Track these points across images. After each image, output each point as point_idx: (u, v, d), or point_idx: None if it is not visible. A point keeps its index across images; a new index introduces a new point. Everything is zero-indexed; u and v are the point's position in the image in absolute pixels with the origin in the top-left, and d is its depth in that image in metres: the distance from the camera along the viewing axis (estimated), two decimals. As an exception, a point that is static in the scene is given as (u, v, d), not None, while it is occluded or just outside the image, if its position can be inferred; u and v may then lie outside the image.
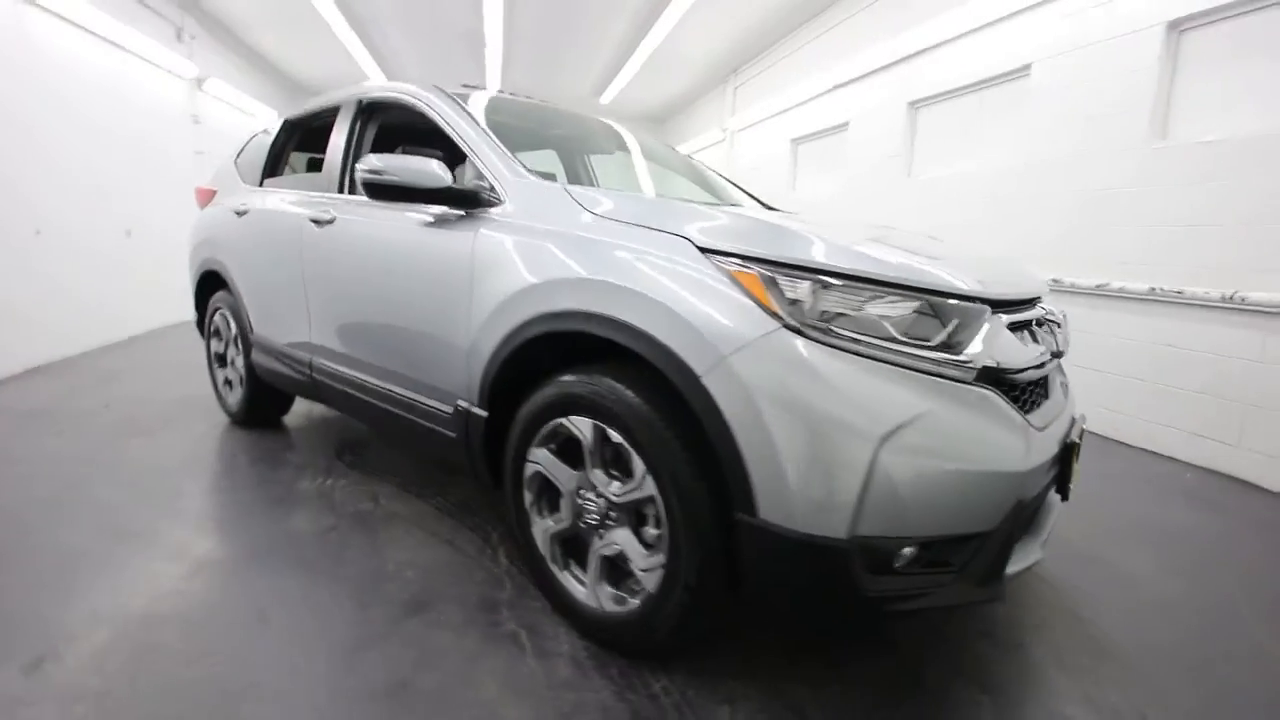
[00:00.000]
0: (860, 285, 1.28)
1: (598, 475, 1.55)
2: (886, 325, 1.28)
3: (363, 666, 1.52)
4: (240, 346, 3.07)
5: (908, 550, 1.25)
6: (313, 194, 2.59)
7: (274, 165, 3.13)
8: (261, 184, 3.08)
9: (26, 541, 2.05)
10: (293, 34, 7.66)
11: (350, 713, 1.38)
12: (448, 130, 2.08)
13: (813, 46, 6.54)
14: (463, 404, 1.89)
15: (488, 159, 1.92)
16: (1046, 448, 1.42)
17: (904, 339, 1.27)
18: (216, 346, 3.34)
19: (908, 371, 1.25)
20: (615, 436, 1.48)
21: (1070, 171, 3.73)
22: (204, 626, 1.65)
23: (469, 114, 2.09)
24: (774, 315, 1.26)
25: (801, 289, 1.28)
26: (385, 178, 1.85)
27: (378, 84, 2.54)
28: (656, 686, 1.49)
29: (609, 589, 1.58)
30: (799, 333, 1.25)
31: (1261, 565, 2.27)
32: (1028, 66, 4.02)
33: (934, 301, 1.31)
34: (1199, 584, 2.11)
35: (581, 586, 1.65)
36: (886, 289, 1.29)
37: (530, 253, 1.65)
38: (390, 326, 2.11)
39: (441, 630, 1.68)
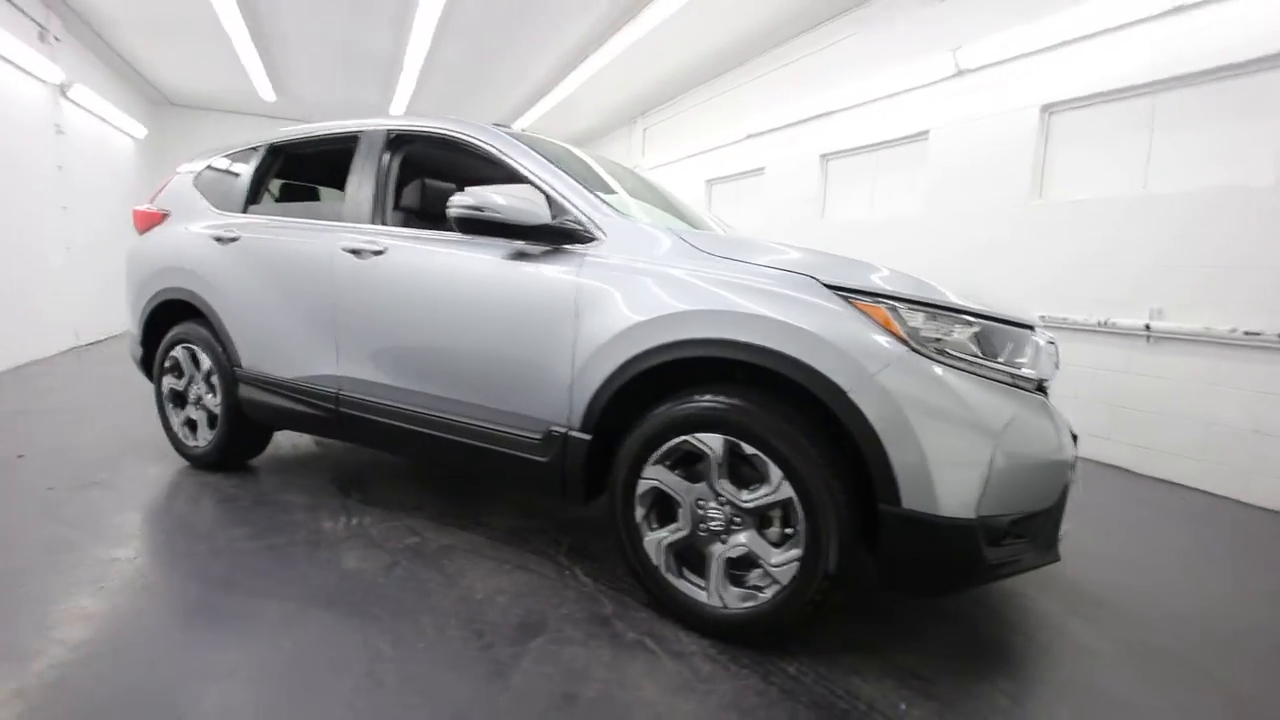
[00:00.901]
0: (953, 315, 1.62)
1: (725, 485, 1.73)
2: (972, 346, 1.62)
3: (519, 687, 1.56)
4: (218, 382, 2.83)
5: (1005, 526, 1.58)
6: (337, 224, 2.52)
7: (257, 191, 2.97)
8: (245, 210, 2.91)
9: (52, 611, 1.80)
10: (176, 43, 6.99)
11: (537, 727, 1.43)
12: (521, 170, 2.19)
13: (726, 98, 7.18)
14: (558, 429, 1.98)
15: (574, 199, 2.06)
16: (1070, 439, 1.84)
17: (985, 357, 1.62)
18: (173, 384, 3.03)
19: (997, 383, 1.59)
20: (748, 449, 1.68)
21: (965, 222, 4.51)
22: (327, 676, 1.59)
23: (540, 155, 2.21)
24: (901, 340, 1.56)
25: (917, 319, 1.59)
26: (487, 214, 1.93)
27: (413, 118, 2.56)
28: (791, 669, 1.68)
29: (734, 589, 1.75)
30: (921, 354, 1.55)
31: (1154, 529, 2.94)
32: (926, 132, 4.82)
33: (998, 328, 1.67)
34: (1123, 545, 2.70)
35: (700, 590, 1.80)
36: (971, 318, 1.63)
37: (650, 287, 1.82)
38: (468, 358, 2.13)
39: (570, 646, 1.74)
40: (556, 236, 1.99)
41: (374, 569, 2.13)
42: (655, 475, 1.83)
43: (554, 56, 6.83)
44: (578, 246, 1.99)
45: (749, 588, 1.74)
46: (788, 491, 1.63)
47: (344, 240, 2.43)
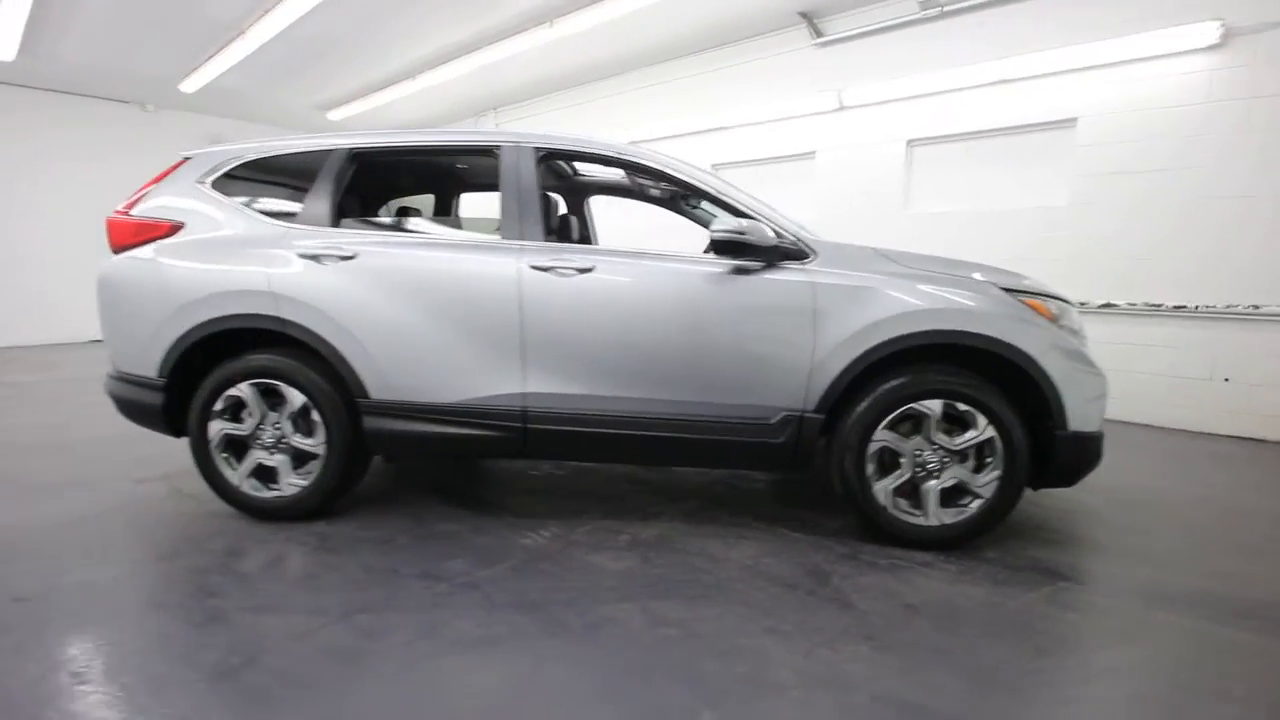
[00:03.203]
0: (1059, 301, 2.49)
1: (940, 436, 2.37)
2: (1067, 319, 2.50)
3: (871, 609, 2.02)
4: (324, 418, 2.52)
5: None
6: (505, 241, 2.50)
7: (339, 203, 2.67)
8: (337, 224, 2.62)
9: None
10: None
11: (918, 629, 1.93)
12: (719, 195, 2.51)
13: (605, 103, 7.60)
14: (790, 413, 2.41)
15: (781, 222, 2.47)
16: None
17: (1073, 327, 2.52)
18: (230, 429, 2.58)
19: (1084, 341, 2.51)
20: (961, 406, 2.34)
21: (851, 227, 5.74)
22: (765, 640, 1.85)
23: (729, 184, 2.55)
24: (1052, 320, 2.37)
25: (1054, 307, 2.42)
26: (746, 238, 2.28)
27: (574, 139, 2.70)
28: (992, 555, 2.41)
29: (945, 510, 2.41)
30: (1063, 329, 2.39)
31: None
32: (813, 152, 5.95)
33: (1066, 305, 2.59)
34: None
35: (918, 516, 2.42)
36: (1063, 302, 2.52)
37: (880, 293, 2.35)
38: (704, 362, 2.41)
39: (858, 578, 2.23)
40: (779, 255, 2.40)
41: (637, 565, 2.31)
42: (883, 437, 2.39)
43: (438, 44, 6.49)
44: (794, 262, 2.42)
45: (957, 506, 2.42)
46: (990, 433, 2.34)
47: (531, 259, 2.44)
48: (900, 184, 5.45)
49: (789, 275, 2.40)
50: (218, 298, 2.52)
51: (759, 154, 6.33)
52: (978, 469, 2.39)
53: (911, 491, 2.43)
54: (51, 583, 2.10)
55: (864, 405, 2.38)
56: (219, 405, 2.57)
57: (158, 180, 2.77)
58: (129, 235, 2.67)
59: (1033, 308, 2.38)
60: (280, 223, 2.62)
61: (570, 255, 2.46)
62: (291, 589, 2.10)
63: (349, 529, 2.58)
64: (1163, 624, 1.97)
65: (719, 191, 2.53)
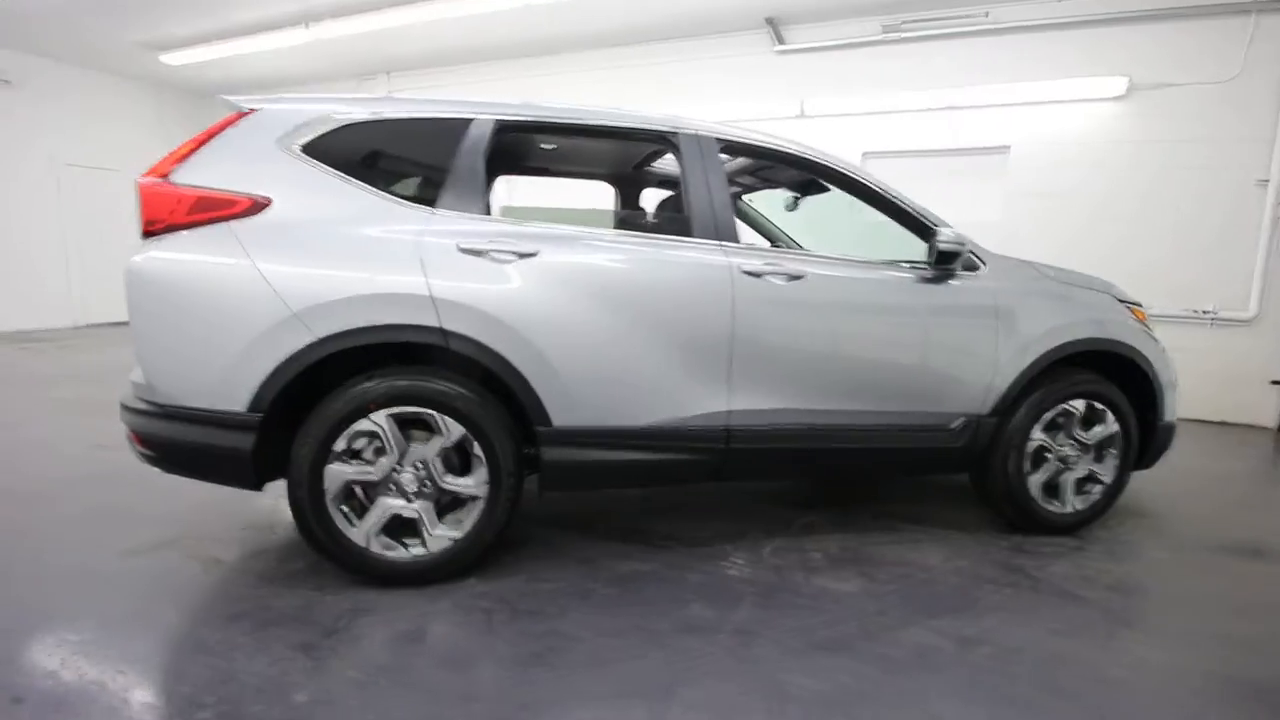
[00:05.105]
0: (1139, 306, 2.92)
1: (1079, 432, 2.66)
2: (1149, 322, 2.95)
3: (1099, 598, 2.21)
4: (491, 453, 2.05)
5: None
6: (701, 241, 2.25)
7: (488, 186, 2.18)
8: (488, 210, 2.13)
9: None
10: None
11: (1148, 608, 2.16)
12: (912, 210, 2.64)
13: (543, 81, 7.07)
14: (970, 417, 2.52)
15: (959, 236, 2.55)
16: None
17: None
18: (355, 473, 1.99)
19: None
20: (1098, 405, 2.64)
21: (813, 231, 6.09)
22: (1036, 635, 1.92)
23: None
24: (1146, 326, 2.77)
25: (1142, 312, 2.83)
26: (964, 248, 2.32)
27: (771, 137, 2.66)
28: (1101, 534, 2.75)
29: (1075, 497, 2.71)
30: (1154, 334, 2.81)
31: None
32: (770, 155, 6.16)
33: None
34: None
35: (1057, 505, 2.68)
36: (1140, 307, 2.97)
37: (1044, 303, 2.55)
38: (905, 371, 2.42)
39: (1044, 568, 2.41)
40: (962, 265, 2.49)
41: (867, 584, 2.25)
42: (1038, 437, 2.61)
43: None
44: (969, 273, 2.53)
45: (1083, 494, 2.73)
46: (1115, 427, 2.67)
47: (741, 262, 2.22)
48: (855, 192, 5.90)
49: (975, 284, 2.51)
50: (358, 303, 1.91)
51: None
52: (1098, 459, 2.72)
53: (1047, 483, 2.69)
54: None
55: (1025, 408, 2.57)
56: (341, 444, 1.96)
57: (207, 138, 2.00)
58: (181, 212, 1.90)
59: (1135, 315, 2.76)
60: (421, 208, 2.05)
61: (782, 260, 2.30)
62: (551, 670, 1.69)
63: (517, 584, 2.14)
64: (1252, 571, 2.45)
65: (915, 208, 2.62)
